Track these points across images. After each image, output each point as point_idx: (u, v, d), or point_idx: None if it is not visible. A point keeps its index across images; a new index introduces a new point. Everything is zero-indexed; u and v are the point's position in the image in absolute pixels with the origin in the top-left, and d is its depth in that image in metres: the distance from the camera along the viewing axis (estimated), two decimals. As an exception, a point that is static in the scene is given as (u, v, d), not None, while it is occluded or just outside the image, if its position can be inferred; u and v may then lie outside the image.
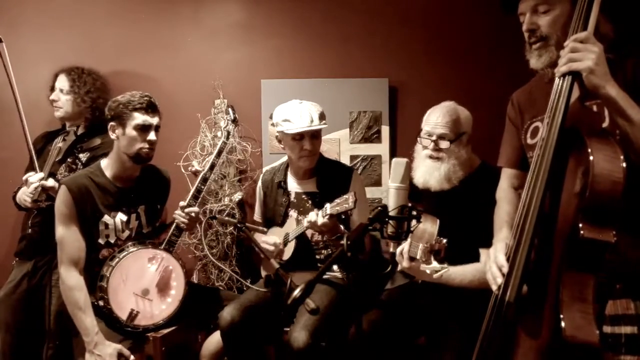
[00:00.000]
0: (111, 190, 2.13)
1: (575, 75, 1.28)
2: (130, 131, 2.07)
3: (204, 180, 2.28)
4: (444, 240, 1.66)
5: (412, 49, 2.91)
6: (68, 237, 2.05)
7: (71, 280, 2.02)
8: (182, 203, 2.21)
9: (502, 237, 1.53)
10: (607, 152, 1.22)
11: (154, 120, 2.12)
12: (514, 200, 1.64)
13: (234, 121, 2.55)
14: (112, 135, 2.12)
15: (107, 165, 2.16)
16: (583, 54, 1.25)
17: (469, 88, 2.81)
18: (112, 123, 2.11)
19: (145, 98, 2.10)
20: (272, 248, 2.23)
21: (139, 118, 2.08)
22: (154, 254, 2.15)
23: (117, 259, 2.07)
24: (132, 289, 2.09)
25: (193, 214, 2.20)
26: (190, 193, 2.25)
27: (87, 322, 1.99)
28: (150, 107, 2.10)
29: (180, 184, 2.64)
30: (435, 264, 1.66)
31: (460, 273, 1.86)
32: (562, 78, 1.31)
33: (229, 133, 2.48)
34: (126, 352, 2.00)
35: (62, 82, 2.53)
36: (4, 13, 2.89)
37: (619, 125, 1.27)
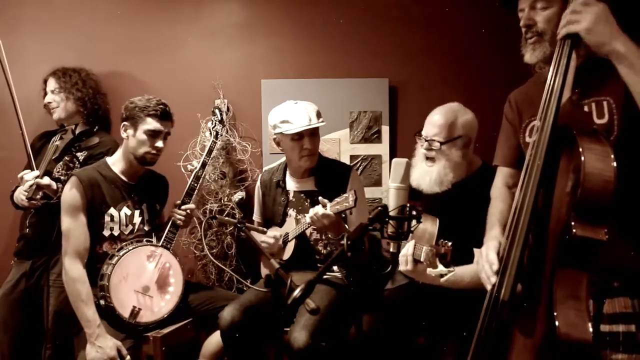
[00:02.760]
0: (118, 185, 2.20)
1: (575, 40, 1.30)
2: (141, 135, 2.15)
3: (197, 178, 2.36)
4: (449, 243, 1.65)
5: (412, 49, 2.91)
6: (75, 229, 2.08)
7: (75, 272, 2.05)
8: (177, 202, 2.30)
9: (493, 235, 1.53)
10: (598, 151, 1.23)
11: (165, 128, 2.20)
12: (507, 199, 1.65)
13: (221, 122, 2.63)
14: (123, 135, 2.20)
15: (114, 162, 2.24)
16: (581, 15, 1.27)
17: (469, 88, 2.82)
18: (125, 123, 2.19)
19: (161, 106, 2.18)
20: (272, 241, 2.24)
21: (151, 124, 2.15)
22: (152, 251, 2.19)
23: (117, 257, 2.10)
24: (133, 287, 2.11)
25: (189, 211, 2.28)
26: (185, 191, 2.32)
27: (89, 313, 2.01)
28: (164, 115, 2.18)
29: (181, 183, 2.62)
30: (441, 268, 1.65)
31: (458, 275, 1.86)
32: (562, 42, 1.32)
33: (217, 133, 2.57)
34: (124, 350, 2.01)
35: (51, 84, 2.59)
36: (3, 13, 2.88)
37: (631, 85, 1.26)
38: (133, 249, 2.14)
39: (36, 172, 2.23)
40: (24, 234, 2.48)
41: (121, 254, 2.11)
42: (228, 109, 2.86)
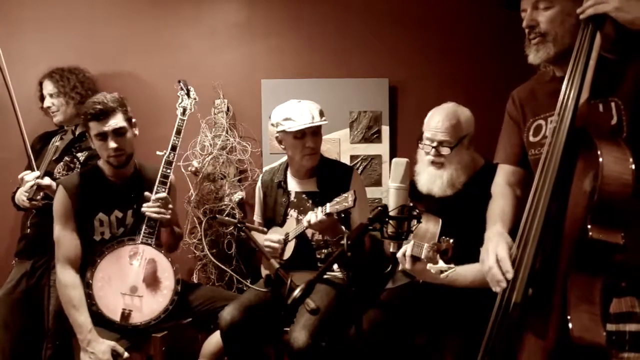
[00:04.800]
0: (107, 188, 2.16)
1: (598, 23, 1.29)
2: (95, 141, 2.09)
3: (168, 163, 2.20)
4: (451, 240, 1.65)
5: (412, 49, 2.91)
6: (64, 236, 2.07)
7: (66, 278, 2.04)
8: (147, 194, 2.15)
9: (496, 232, 1.51)
10: (617, 154, 1.21)
11: (108, 127, 2.05)
12: (509, 196, 1.64)
13: (188, 94, 2.40)
14: (91, 144, 2.16)
15: (103, 165, 2.19)
16: None
17: (469, 87, 2.82)
18: (87, 133, 2.14)
19: (96, 105, 2.03)
20: (277, 245, 2.23)
21: (94, 128, 2.07)
22: (134, 250, 2.12)
23: (97, 263, 2.07)
24: (119, 289, 2.07)
25: (162, 201, 2.14)
26: (157, 180, 2.18)
27: (81, 319, 1.99)
28: (102, 114, 2.03)
29: (182, 183, 2.64)
30: (442, 264, 1.65)
31: (462, 274, 1.85)
32: (584, 25, 1.31)
33: (184, 109, 2.35)
34: (120, 349, 2.00)
35: (48, 87, 2.54)
36: (3, 13, 2.88)
37: None
38: (112, 251, 2.09)
39: (37, 173, 2.23)
40: (25, 234, 2.48)
41: (99, 258, 2.07)
42: (228, 108, 2.87)
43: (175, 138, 2.24)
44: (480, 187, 1.97)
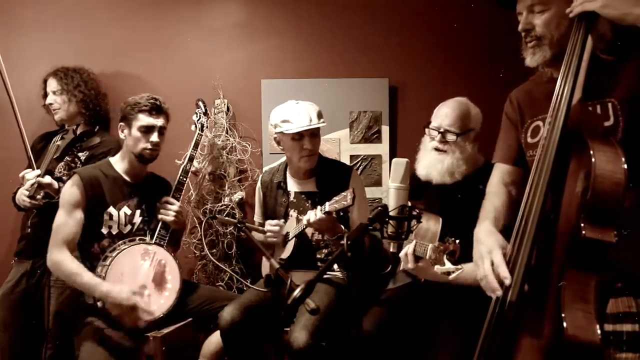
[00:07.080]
0: (120, 184, 2.21)
1: (589, 22, 1.29)
2: (135, 132, 2.16)
3: (185, 172, 2.33)
4: (457, 240, 1.64)
5: (412, 49, 2.91)
6: (66, 224, 2.08)
7: (60, 257, 2.04)
8: (165, 198, 2.26)
9: (486, 231, 1.49)
10: (609, 153, 1.22)
11: (158, 122, 2.19)
12: (503, 195, 1.64)
13: (206, 114, 2.59)
14: (121, 135, 2.22)
15: (116, 162, 2.25)
16: None
17: (468, 88, 2.78)
18: (121, 123, 2.21)
19: (151, 100, 2.18)
20: (277, 229, 2.25)
21: (143, 120, 2.16)
22: (145, 249, 2.17)
23: (110, 259, 2.08)
24: (129, 287, 2.08)
25: (169, 206, 2.24)
26: (173, 187, 2.30)
27: (86, 279, 2.01)
28: (155, 109, 2.18)
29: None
30: (449, 265, 1.64)
31: (465, 272, 1.85)
32: (577, 26, 1.32)
33: (202, 126, 2.53)
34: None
35: (52, 84, 2.58)
36: (4, 13, 2.89)
37: None
38: (126, 248, 2.12)
39: (38, 171, 2.24)
40: (25, 234, 2.48)
41: (114, 254, 2.09)
42: (228, 108, 2.87)
43: (193, 150, 2.39)
44: (479, 184, 1.98)
